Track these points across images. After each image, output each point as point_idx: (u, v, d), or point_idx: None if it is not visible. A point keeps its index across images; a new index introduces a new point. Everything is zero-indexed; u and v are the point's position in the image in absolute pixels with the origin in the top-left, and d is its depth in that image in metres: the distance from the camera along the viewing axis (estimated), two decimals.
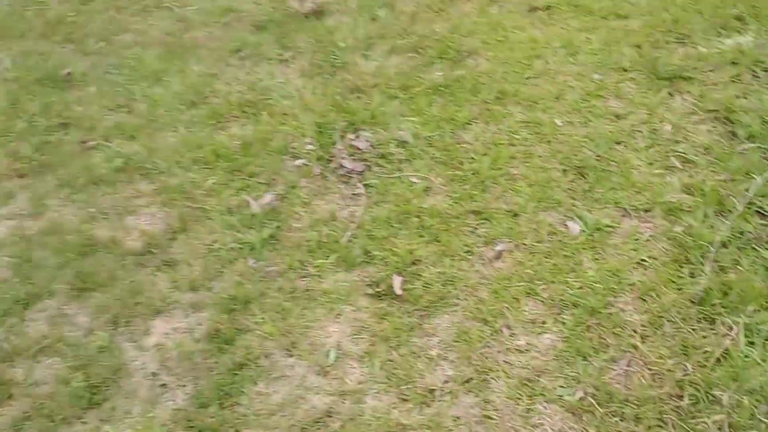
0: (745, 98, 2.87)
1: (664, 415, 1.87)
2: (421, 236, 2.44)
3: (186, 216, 2.64)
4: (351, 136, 2.89)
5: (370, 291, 2.29)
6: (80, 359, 2.18)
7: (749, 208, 2.39)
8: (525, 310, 2.19)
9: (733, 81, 2.99)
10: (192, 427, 1.97)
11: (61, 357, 2.21)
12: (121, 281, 2.42)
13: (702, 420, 1.84)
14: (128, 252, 2.53)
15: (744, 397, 1.86)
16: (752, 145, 2.64)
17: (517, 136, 2.80)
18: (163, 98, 3.23)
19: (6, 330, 2.31)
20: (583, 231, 2.41)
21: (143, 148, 2.97)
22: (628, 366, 2.02)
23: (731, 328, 2.04)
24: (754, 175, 2.50)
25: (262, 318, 2.24)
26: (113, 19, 3.88)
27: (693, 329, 2.07)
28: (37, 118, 3.21)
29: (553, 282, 2.26)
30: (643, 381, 1.96)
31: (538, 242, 2.39)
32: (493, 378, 2.01)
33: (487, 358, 2.07)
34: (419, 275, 2.31)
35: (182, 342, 2.20)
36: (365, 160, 2.78)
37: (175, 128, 3.06)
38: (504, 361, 2.05)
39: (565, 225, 2.44)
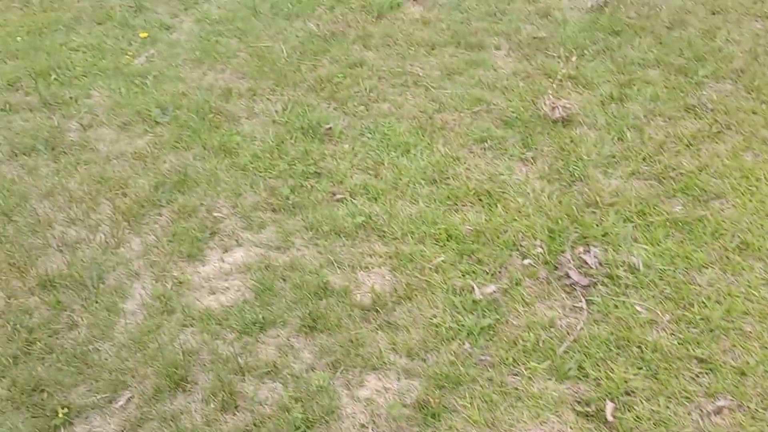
0: None
1: None
2: (639, 368, 2.43)
3: (412, 285, 2.82)
4: (581, 248, 2.95)
5: (579, 408, 2.31)
6: (300, 392, 2.39)
7: None
8: None
9: None
10: None
11: (283, 384, 2.43)
12: (346, 330, 2.62)
13: None
14: (356, 304, 2.74)
15: None
16: None
17: (756, 293, 2.72)
18: (408, 170, 3.49)
19: (242, 346, 2.58)
20: None
21: (384, 211, 3.22)
22: None
23: None
24: None
25: (470, 403, 2.33)
26: (374, 87, 4.26)
27: None
28: (296, 163, 3.59)
29: None
30: None
31: (765, 409, 2.29)
32: None
33: None
34: (632, 407, 2.30)
35: (392, 403, 2.34)
36: (591, 275, 2.83)
37: (414, 200, 3.29)
38: None
39: None
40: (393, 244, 3.04)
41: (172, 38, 4.86)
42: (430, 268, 2.90)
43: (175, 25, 5.02)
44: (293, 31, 4.84)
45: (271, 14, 5.08)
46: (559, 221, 3.11)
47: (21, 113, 4.06)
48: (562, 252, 2.94)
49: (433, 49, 4.61)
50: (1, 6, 5.35)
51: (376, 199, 3.32)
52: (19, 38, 4.80)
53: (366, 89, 4.22)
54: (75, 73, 4.42)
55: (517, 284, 2.80)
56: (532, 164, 3.54)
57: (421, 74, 4.35)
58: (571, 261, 2.89)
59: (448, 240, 3.04)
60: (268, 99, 4.18)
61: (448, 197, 3.31)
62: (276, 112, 4.04)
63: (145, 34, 4.81)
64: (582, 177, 3.40)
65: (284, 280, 2.87)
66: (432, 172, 3.47)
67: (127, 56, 4.61)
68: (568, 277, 2.82)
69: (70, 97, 4.18)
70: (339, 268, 2.93)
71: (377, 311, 2.71)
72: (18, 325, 2.67)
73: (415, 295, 2.78)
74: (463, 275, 2.86)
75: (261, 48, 4.67)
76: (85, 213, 3.28)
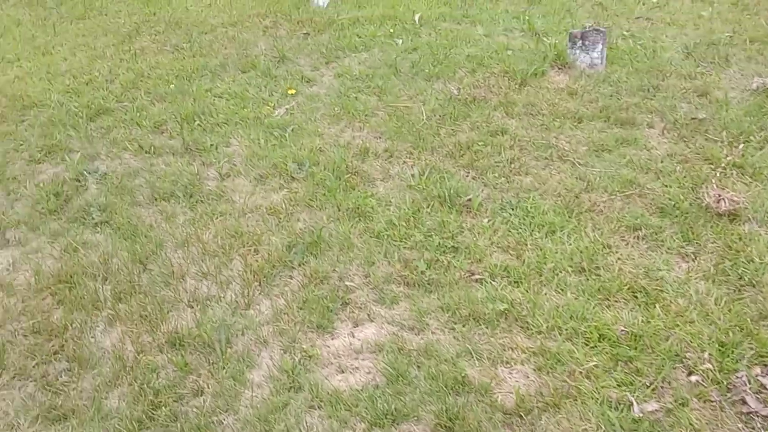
0: None
1: None
2: None
3: (560, 390, 2.53)
4: (758, 369, 2.59)
5: None
6: None
7: None
8: None
9: None
10: None
11: None
12: None
13: None
14: (497, 406, 2.48)
15: None
16: None
17: None
18: (553, 254, 3.22)
19: None
20: None
21: (526, 299, 2.96)
22: None
23: None
24: None
25: None
26: (516, 158, 4.04)
27: None
28: (432, 235, 3.40)
29: None
30: None
31: None
32: None
33: None
34: None
35: None
36: None
37: (561, 290, 3.02)
38: None
39: None
40: (538, 339, 2.77)
41: (312, 91, 4.85)
42: (581, 373, 2.61)
43: (316, 79, 5.02)
44: (433, 93, 4.72)
45: (411, 74, 5.00)
46: (730, 333, 2.75)
47: (164, 156, 4.11)
48: (736, 371, 2.58)
49: (579, 122, 4.36)
50: (154, 49, 5.55)
51: (518, 283, 3.08)
52: (172, 85, 4.91)
53: (507, 160, 4.01)
54: (217, 120, 4.46)
55: (683, 405, 2.46)
56: (693, 261, 3.19)
57: (566, 148, 4.11)
58: (747, 384, 2.52)
59: (599, 341, 2.75)
60: (404, 162, 4.04)
61: (599, 290, 3.01)
62: (412, 176, 3.89)
63: (293, 91, 4.80)
64: (754, 282, 3.02)
65: (418, 367, 2.66)
66: (580, 260, 3.20)
67: (268, 107, 4.62)
68: (744, 403, 2.46)
69: (211, 144, 4.20)
70: (478, 359, 2.69)
71: (521, 417, 2.44)
72: (145, 385, 2.58)
73: (564, 402, 2.49)
74: (619, 385, 2.55)
75: (400, 108, 4.57)
76: (217, 268, 3.21)
